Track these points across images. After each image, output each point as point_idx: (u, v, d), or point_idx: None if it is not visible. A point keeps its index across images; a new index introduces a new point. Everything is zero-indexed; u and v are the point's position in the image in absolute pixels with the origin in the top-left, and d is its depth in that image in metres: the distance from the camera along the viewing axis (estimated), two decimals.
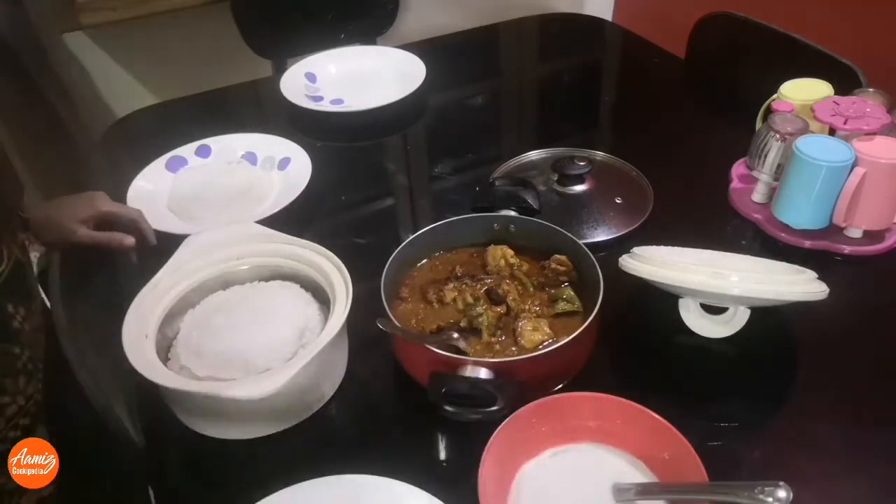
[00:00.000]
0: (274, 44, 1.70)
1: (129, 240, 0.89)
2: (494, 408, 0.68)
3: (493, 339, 0.79)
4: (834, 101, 0.96)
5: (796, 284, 0.75)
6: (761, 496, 0.58)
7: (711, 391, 0.79)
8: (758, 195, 1.01)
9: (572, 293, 0.82)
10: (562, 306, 0.81)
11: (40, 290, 0.91)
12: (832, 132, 0.95)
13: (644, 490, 0.65)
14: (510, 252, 0.88)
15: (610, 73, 1.55)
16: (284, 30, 1.69)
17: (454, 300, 0.84)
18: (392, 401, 0.82)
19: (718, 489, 0.62)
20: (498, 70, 1.56)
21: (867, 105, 0.94)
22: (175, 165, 1.13)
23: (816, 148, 0.89)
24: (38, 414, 0.82)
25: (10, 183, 0.84)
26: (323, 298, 0.80)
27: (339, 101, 1.35)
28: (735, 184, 1.06)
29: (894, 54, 1.33)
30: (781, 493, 0.58)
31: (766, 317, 0.77)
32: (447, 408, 0.69)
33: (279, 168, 1.13)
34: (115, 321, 0.73)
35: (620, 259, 0.83)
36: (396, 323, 0.77)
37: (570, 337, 0.73)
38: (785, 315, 0.84)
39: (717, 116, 1.30)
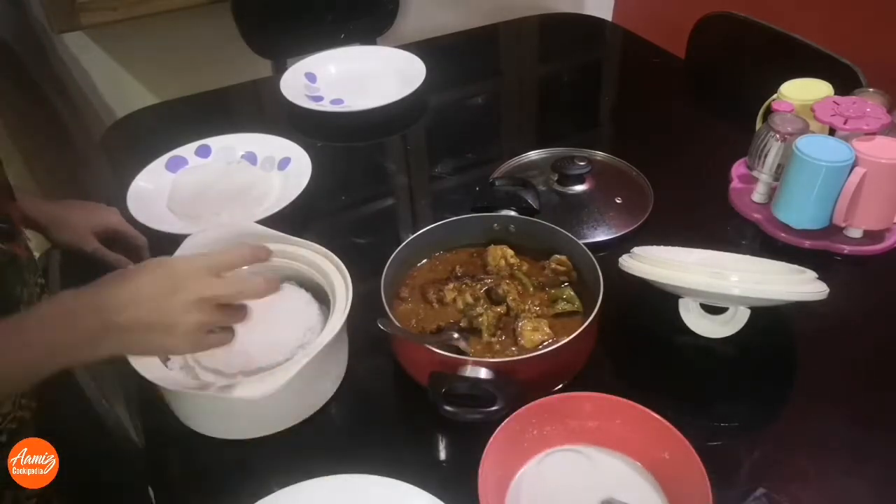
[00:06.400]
0: (274, 44, 1.70)
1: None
2: (494, 408, 0.68)
3: (493, 339, 0.79)
4: (834, 101, 0.96)
5: (796, 284, 0.75)
6: None
7: (711, 391, 0.79)
8: (758, 195, 1.01)
9: (572, 293, 0.82)
10: (562, 306, 0.81)
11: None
12: (832, 132, 0.95)
13: None
14: (510, 252, 0.88)
15: (610, 73, 1.55)
16: (284, 30, 1.69)
17: (454, 300, 0.84)
18: (392, 401, 0.82)
19: None
20: (498, 70, 1.56)
21: (867, 105, 0.94)
22: (175, 165, 1.13)
23: (816, 148, 0.89)
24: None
25: None
26: (323, 298, 0.80)
27: (339, 101, 1.34)
28: (735, 184, 1.06)
29: (894, 54, 1.33)
30: None
31: (766, 317, 0.77)
32: (447, 408, 0.69)
33: (279, 168, 1.13)
34: None
35: (620, 259, 0.83)
36: (396, 323, 0.77)
37: (570, 337, 0.73)
38: (785, 315, 0.84)
39: (717, 116, 1.30)
